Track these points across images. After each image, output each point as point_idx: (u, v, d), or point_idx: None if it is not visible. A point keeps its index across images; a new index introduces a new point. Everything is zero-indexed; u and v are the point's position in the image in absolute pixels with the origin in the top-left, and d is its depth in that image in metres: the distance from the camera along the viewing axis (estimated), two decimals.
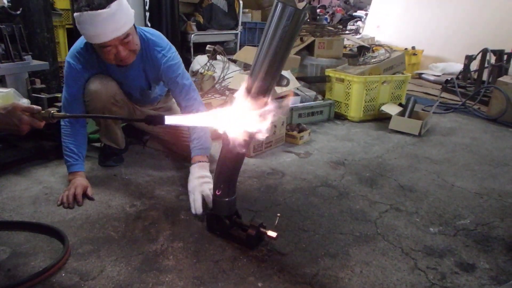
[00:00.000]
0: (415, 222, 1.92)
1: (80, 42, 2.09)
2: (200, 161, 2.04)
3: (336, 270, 1.54)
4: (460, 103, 4.24)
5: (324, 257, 1.62)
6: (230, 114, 1.36)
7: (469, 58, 4.95)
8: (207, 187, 1.89)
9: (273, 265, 1.55)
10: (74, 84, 2.09)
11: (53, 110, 1.47)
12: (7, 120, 1.39)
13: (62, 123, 2.11)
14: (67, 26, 3.54)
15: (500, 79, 3.95)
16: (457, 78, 5.05)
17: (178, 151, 2.56)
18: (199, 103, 2.19)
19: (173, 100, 2.74)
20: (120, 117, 1.66)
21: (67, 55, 2.13)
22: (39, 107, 1.45)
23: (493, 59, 4.60)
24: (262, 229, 1.62)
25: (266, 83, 1.38)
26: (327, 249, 1.67)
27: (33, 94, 2.49)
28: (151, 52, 2.11)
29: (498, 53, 4.55)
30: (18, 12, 2.55)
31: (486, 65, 4.67)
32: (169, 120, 1.33)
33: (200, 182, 1.93)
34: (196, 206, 1.85)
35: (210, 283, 1.43)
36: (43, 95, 2.50)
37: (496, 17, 5.68)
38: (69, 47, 3.52)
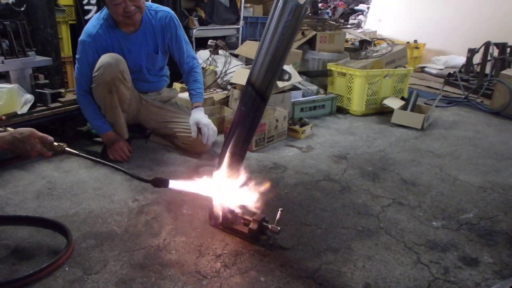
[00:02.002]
0: (418, 216, 1.92)
1: (90, 25, 2.34)
2: (200, 106, 2.51)
3: (339, 264, 1.54)
4: (463, 96, 4.23)
5: (327, 251, 1.62)
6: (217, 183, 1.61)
7: (472, 51, 4.93)
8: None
9: (276, 259, 1.55)
10: (85, 57, 2.32)
11: (65, 145, 1.57)
12: (20, 144, 1.48)
13: (78, 94, 2.38)
14: (70, 22, 3.52)
15: (503, 72, 3.93)
16: (460, 71, 5.03)
17: (180, 146, 2.58)
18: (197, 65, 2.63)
19: (175, 90, 2.90)
20: (126, 172, 1.70)
21: (80, 37, 2.35)
22: (52, 138, 1.55)
23: (496, 52, 4.58)
24: (264, 224, 1.63)
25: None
26: (330, 243, 1.67)
27: (37, 90, 2.51)
28: (157, 14, 2.44)
29: (501, 46, 4.53)
30: (22, 9, 2.56)
31: (489, 58, 4.64)
32: (173, 184, 1.59)
33: (210, 121, 2.46)
34: (215, 136, 2.47)
35: (212, 278, 1.44)
36: (46, 91, 2.52)
37: (499, 10, 5.64)
38: (72, 43, 3.53)
